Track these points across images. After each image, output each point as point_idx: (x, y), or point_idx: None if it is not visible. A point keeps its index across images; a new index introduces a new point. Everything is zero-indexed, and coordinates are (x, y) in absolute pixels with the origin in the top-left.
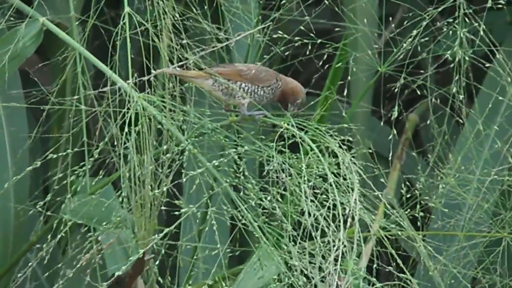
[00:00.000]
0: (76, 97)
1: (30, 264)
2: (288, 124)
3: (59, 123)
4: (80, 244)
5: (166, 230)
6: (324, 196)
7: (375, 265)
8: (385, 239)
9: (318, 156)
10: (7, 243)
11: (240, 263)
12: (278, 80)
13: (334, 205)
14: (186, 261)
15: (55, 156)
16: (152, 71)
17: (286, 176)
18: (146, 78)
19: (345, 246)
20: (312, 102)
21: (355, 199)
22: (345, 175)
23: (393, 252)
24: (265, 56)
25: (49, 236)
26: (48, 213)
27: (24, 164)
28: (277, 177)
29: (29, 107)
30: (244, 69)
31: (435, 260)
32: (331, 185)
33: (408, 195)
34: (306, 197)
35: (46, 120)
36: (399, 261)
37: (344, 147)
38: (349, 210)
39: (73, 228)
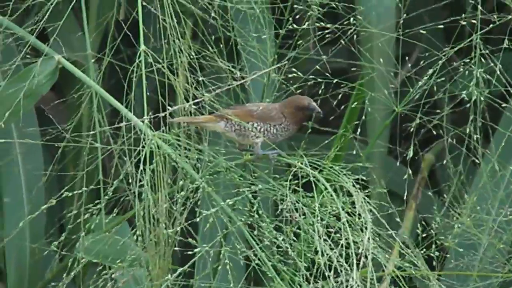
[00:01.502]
0: (91, 133)
1: None
2: (302, 164)
3: (75, 161)
4: (95, 282)
5: (180, 269)
6: (338, 235)
7: None
8: (400, 278)
9: (332, 195)
10: (23, 281)
11: None
12: (284, 116)
13: (348, 244)
14: None
15: (70, 194)
16: (168, 108)
17: (300, 215)
18: (161, 115)
19: (358, 286)
20: (327, 141)
21: (368, 238)
22: (359, 214)
23: None
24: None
25: (64, 275)
26: (64, 251)
27: (40, 201)
28: (290, 216)
29: (45, 144)
30: (254, 108)
31: None
32: (344, 224)
33: (424, 235)
34: (319, 236)
35: (62, 157)
36: None
37: (358, 186)
38: (363, 249)
39: (88, 266)
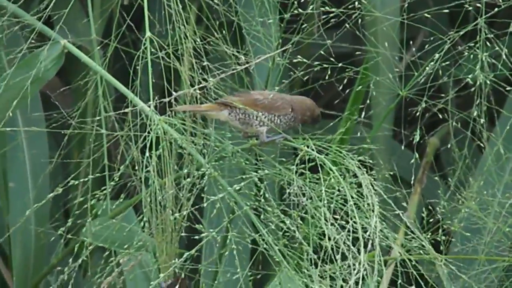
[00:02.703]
0: (97, 118)
1: (51, 287)
2: (308, 147)
3: (80, 147)
4: (101, 267)
5: (186, 254)
6: (345, 220)
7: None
8: (406, 262)
9: (338, 178)
10: (28, 266)
11: (262, 285)
12: (293, 109)
13: (355, 228)
14: (207, 284)
15: (76, 181)
16: (173, 93)
17: (306, 199)
18: (166, 100)
19: (365, 269)
20: (332, 124)
21: (376, 221)
22: (365, 196)
23: (415, 275)
24: (283, 81)
25: (70, 259)
26: (69, 235)
27: (45, 187)
28: (297, 200)
29: (50, 130)
30: (260, 98)
31: (455, 283)
32: (351, 206)
33: (430, 219)
34: (326, 220)
35: (67, 143)
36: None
37: (365, 169)
38: (369, 233)
39: (93, 251)
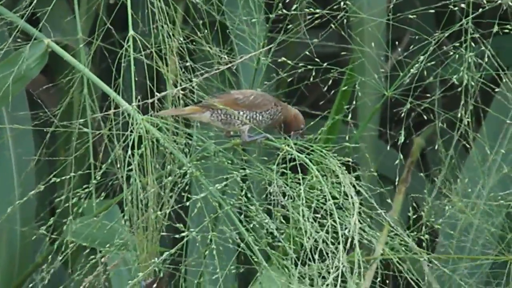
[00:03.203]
0: (82, 120)
1: (36, 285)
2: (288, 146)
3: (66, 145)
4: (84, 265)
5: (166, 253)
6: (327, 219)
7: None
8: (389, 261)
9: (318, 178)
10: (13, 264)
11: (247, 283)
12: (277, 105)
13: (336, 227)
14: (191, 283)
15: (60, 179)
16: (156, 94)
17: (287, 199)
18: (150, 100)
19: (344, 267)
20: (316, 125)
21: (355, 220)
22: (345, 194)
23: (398, 274)
24: (266, 83)
25: (56, 257)
26: (54, 234)
27: (30, 185)
28: (277, 199)
29: (36, 129)
30: (240, 97)
31: (440, 281)
32: (331, 206)
33: (414, 217)
34: (306, 219)
35: (53, 141)
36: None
37: (345, 168)
38: (349, 231)
39: (79, 249)
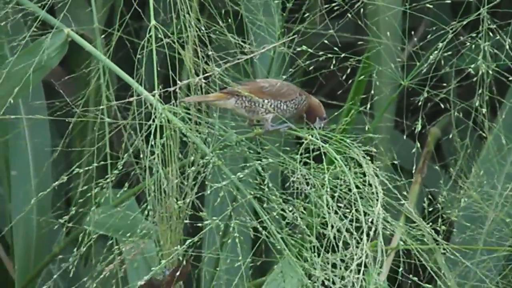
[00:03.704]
0: (99, 108)
1: (52, 275)
2: (312, 136)
3: (82, 135)
4: (106, 256)
5: (188, 241)
6: (349, 207)
7: (398, 276)
8: (406, 251)
9: (342, 167)
10: (30, 255)
11: (264, 273)
12: (301, 94)
13: (358, 216)
14: (208, 272)
15: (79, 170)
16: (178, 82)
17: (310, 188)
18: (171, 89)
19: (367, 257)
20: (335, 114)
21: (379, 209)
22: (369, 184)
23: (416, 263)
24: (290, 70)
25: (72, 248)
26: (70, 224)
27: (47, 175)
28: (300, 188)
29: (52, 119)
30: (266, 85)
31: (455, 272)
32: (355, 195)
33: (430, 209)
34: (329, 208)
35: (70, 131)
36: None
37: (368, 158)
38: (372, 221)
39: (95, 240)
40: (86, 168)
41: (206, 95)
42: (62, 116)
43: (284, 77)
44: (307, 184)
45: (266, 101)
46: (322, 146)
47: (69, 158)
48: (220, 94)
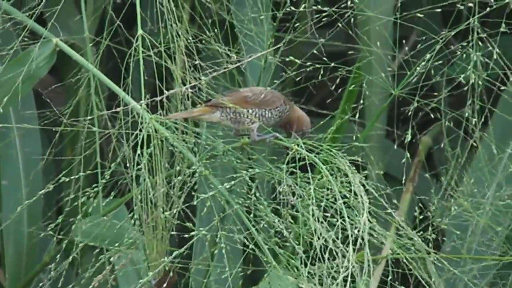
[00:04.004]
0: (89, 118)
1: (43, 284)
2: (298, 146)
3: (73, 144)
4: (93, 265)
5: (176, 252)
6: (336, 218)
7: (387, 286)
8: (396, 261)
9: (328, 177)
10: (20, 263)
11: (255, 282)
12: (285, 103)
13: (345, 226)
14: (198, 282)
15: (68, 179)
16: (165, 91)
17: (296, 198)
18: (158, 98)
19: (354, 267)
20: (323, 124)
21: (365, 218)
22: (356, 195)
23: (406, 273)
24: (275, 81)
25: (63, 257)
26: (61, 234)
27: (38, 184)
28: (287, 199)
29: (43, 128)
30: (250, 95)
31: (445, 280)
32: (340, 206)
33: (421, 217)
34: (315, 219)
35: (60, 140)
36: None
37: (354, 168)
38: (359, 231)
39: (86, 249)
40: (76, 177)
41: (191, 110)
42: (53, 126)
43: (273, 86)
44: (293, 194)
45: (250, 110)
46: (308, 156)
47: (60, 167)
48: (204, 108)
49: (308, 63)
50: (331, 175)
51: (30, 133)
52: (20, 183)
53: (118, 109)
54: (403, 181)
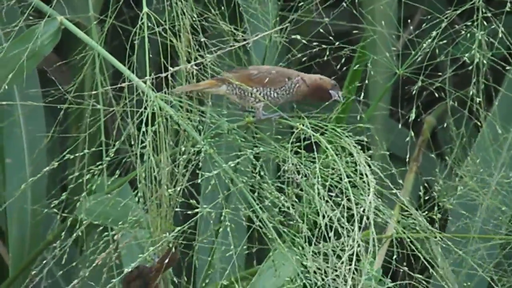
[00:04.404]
0: (93, 93)
1: (46, 262)
2: (303, 125)
3: (77, 122)
4: (97, 243)
5: (178, 228)
6: (341, 197)
7: (392, 266)
8: (401, 240)
9: (333, 157)
10: (24, 242)
11: (258, 261)
12: (291, 78)
13: (350, 205)
14: (202, 261)
15: (72, 156)
16: (170, 68)
17: (301, 177)
18: (163, 75)
19: (359, 246)
20: (328, 103)
21: (371, 199)
22: (361, 174)
23: (409, 253)
24: (281, 61)
25: (67, 235)
26: (65, 212)
27: (42, 163)
28: (292, 178)
29: (47, 106)
30: (255, 73)
31: (450, 260)
32: (346, 184)
33: (426, 197)
34: (320, 198)
35: (64, 119)
36: (413, 262)
37: (360, 147)
38: (364, 210)
39: (90, 227)
40: (80, 154)
41: (196, 83)
42: (58, 104)
43: (280, 64)
44: (298, 173)
45: (255, 89)
46: (313, 135)
47: (65, 146)
48: (211, 81)
49: (313, 43)
50: (336, 155)
51: (34, 111)
52: (24, 161)
53: (123, 85)
54: (407, 161)
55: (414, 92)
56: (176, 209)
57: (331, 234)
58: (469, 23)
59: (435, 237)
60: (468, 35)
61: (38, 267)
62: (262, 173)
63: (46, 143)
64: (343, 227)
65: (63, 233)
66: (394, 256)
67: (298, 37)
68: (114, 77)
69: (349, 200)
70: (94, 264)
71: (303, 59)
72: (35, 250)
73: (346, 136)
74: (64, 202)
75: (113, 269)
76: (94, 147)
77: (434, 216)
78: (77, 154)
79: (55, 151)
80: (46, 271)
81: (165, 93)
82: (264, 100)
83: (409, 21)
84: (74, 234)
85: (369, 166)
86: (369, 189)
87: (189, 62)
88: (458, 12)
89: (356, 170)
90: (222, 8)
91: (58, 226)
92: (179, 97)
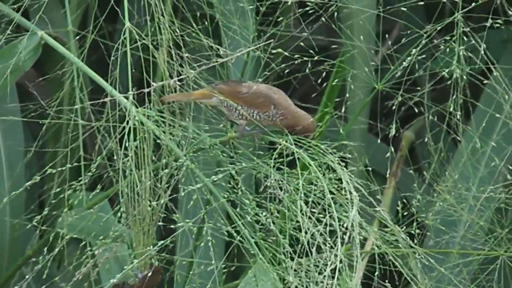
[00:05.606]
0: (72, 108)
1: (25, 277)
2: (286, 142)
3: (56, 138)
4: (76, 258)
5: (160, 243)
6: (323, 213)
7: (372, 281)
8: (380, 256)
9: (316, 173)
10: (3, 257)
11: (237, 277)
12: (278, 108)
13: (333, 222)
14: (182, 276)
15: (52, 171)
16: (152, 84)
17: (284, 193)
18: (145, 90)
19: (341, 261)
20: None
21: (355, 215)
22: (344, 191)
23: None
24: (264, 73)
25: (45, 250)
26: (44, 227)
27: (20, 177)
28: (273, 193)
29: (25, 120)
30: (244, 91)
31: (430, 276)
32: (329, 201)
33: (405, 212)
34: (303, 214)
35: (43, 134)
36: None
37: (342, 164)
38: (347, 226)
39: (69, 242)
40: (60, 169)
41: (190, 92)
42: (36, 119)
43: (254, 80)
44: (280, 189)
45: (239, 107)
46: (296, 152)
47: (43, 160)
48: (204, 91)
49: (292, 56)
50: (320, 171)
51: (13, 126)
52: (3, 176)
53: (104, 100)
54: (387, 176)
55: (393, 107)
56: (159, 224)
57: (314, 249)
58: (448, 38)
59: (414, 253)
60: (447, 49)
61: (17, 284)
62: (243, 189)
63: (25, 158)
64: (324, 244)
65: (43, 248)
66: (376, 273)
67: (280, 50)
68: (94, 92)
69: (331, 216)
70: (74, 279)
71: (282, 73)
72: (14, 266)
73: (330, 153)
74: (43, 217)
75: (92, 284)
76: (73, 162)
77: (413, 232)
78: (57, 170)
79: (33, 166)
80: (26, 286)
81: (146, 107)
82: (248, 119)
83: (387, 35)
84: (56, 249)
85: (352, 182)
86: (352, 206)
87: (170, 77)
88: (438, 27)
89: (338, 186)
90: (203, 23)
91: (37, 241)
92: (161, 112)
